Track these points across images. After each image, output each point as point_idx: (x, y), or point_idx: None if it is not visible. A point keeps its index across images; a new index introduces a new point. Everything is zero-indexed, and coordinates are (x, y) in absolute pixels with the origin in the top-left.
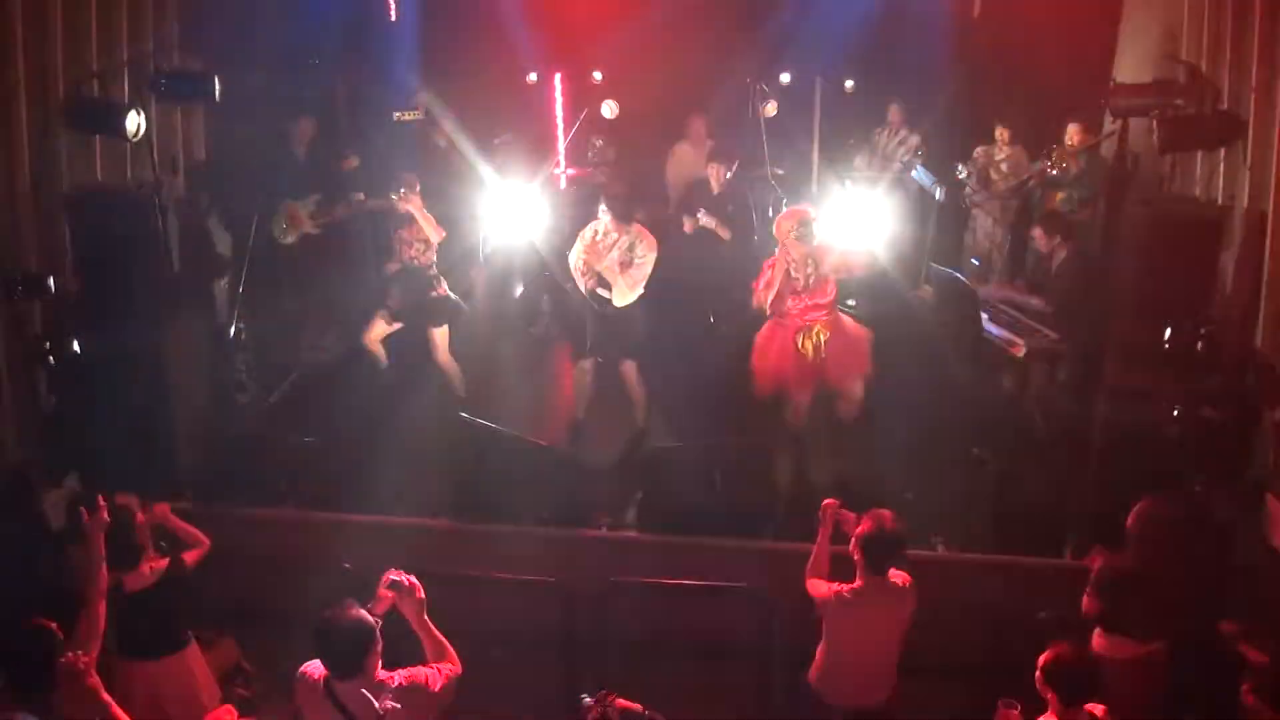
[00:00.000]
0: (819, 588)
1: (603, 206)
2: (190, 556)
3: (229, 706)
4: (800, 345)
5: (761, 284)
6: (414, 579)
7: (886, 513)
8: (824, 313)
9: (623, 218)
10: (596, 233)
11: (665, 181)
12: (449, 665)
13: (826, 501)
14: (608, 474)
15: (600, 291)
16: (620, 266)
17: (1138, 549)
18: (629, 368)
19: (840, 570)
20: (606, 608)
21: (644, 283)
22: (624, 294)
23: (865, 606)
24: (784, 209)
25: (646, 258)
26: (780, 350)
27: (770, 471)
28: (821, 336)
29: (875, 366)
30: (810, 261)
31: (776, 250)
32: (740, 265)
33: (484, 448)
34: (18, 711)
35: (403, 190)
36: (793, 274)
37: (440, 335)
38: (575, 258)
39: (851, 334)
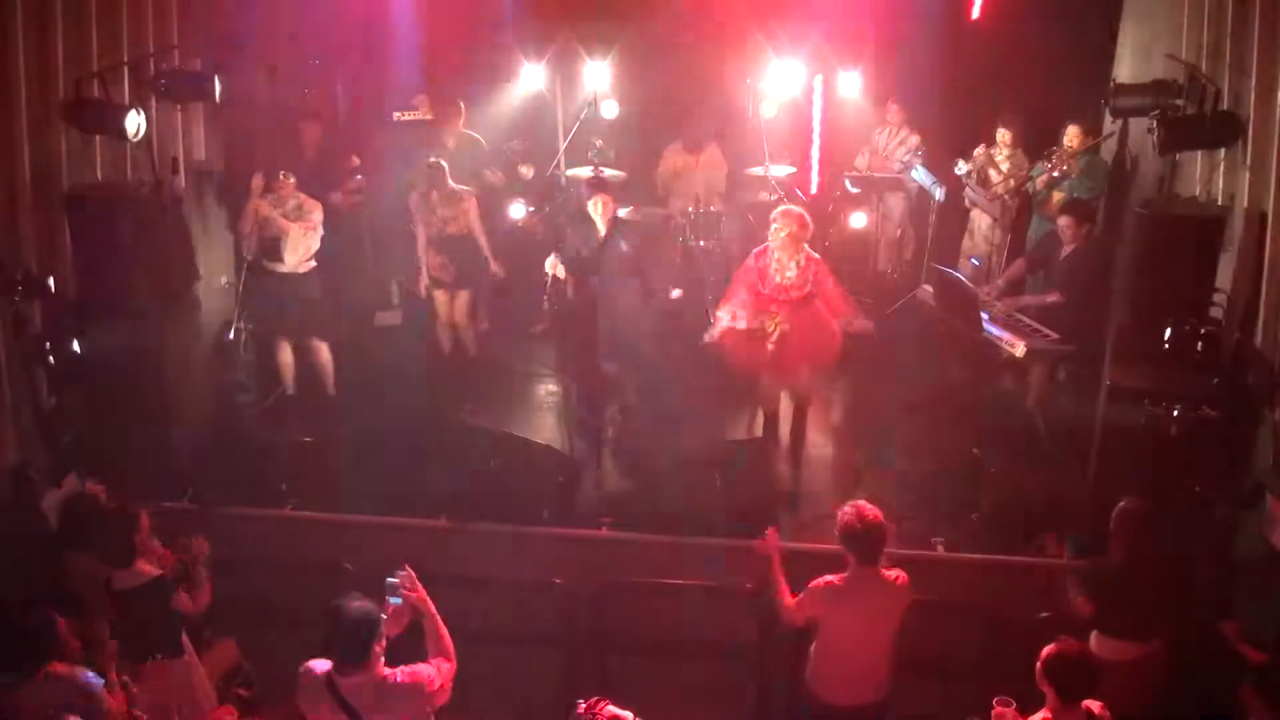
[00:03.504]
0: (794, 602)
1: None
2: (186, 595)
3: (229, 706)
4: (761, 324)
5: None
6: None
7: (862, 502)
8: (788, 307)
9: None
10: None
11: (656, 183)
12: (448, 663)
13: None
14: (608, 474)
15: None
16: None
17: (1119, 549)
18: (318, 347)
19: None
20: (606, 608)
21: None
22: (295, 251)
23: (856, 597)
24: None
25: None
26: (744, 330)
27: (770, 471)
28: (778, 325)
29: (872, 366)
30: (793, 262)
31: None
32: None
33: (484, 448)
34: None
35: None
36: (773, 265)
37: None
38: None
39: (816, 331)
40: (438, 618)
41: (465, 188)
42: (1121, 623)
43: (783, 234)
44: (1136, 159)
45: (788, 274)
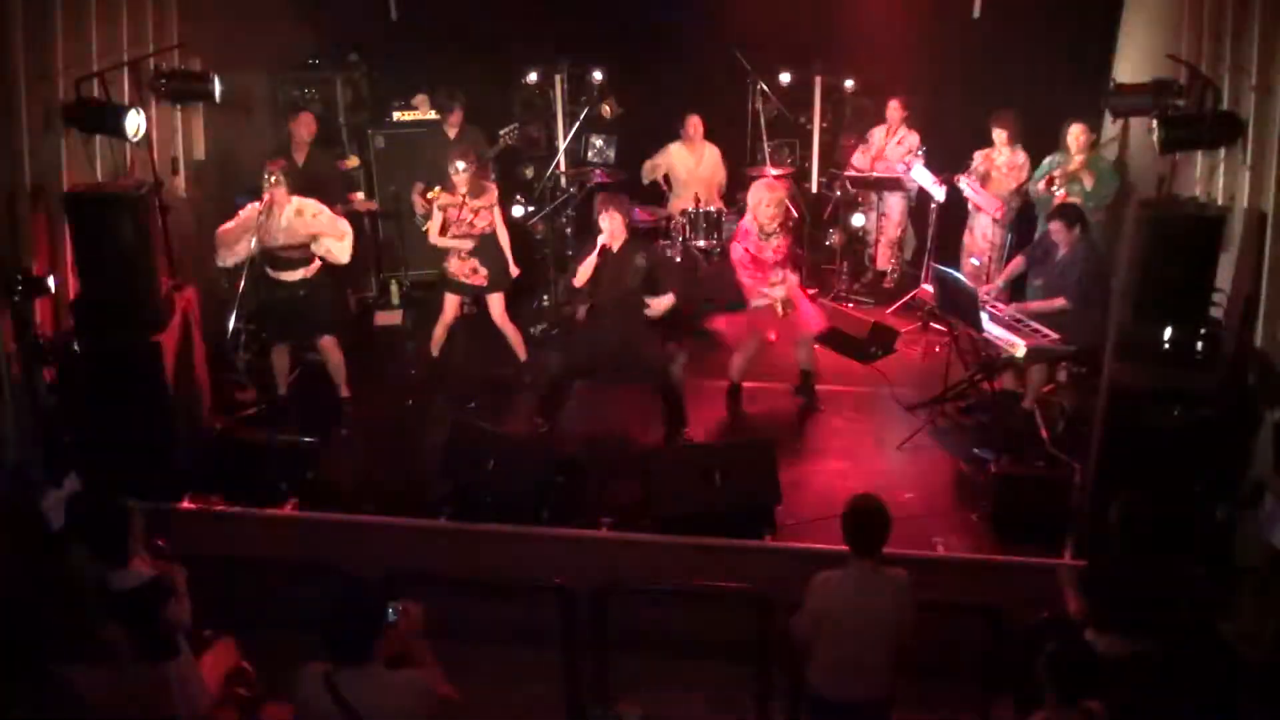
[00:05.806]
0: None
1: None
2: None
3: (229, 707)
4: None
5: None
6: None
7: (868, 494)
8: (782, 265)
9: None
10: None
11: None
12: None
13: None
14: (608, 474)
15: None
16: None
17: (1120, 544)
18: (329, 348)
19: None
20: (606, 608)
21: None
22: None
23: (853, 590)
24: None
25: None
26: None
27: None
28: (784, 293)
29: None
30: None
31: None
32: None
33: (484, 448)
34: None
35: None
36: (763, 229)
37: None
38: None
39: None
40: (434, 667)
41: (487, 181)
42: (1117, 619)
43: (772, 209)
44: (1136, 159)
45: (775, 239)
